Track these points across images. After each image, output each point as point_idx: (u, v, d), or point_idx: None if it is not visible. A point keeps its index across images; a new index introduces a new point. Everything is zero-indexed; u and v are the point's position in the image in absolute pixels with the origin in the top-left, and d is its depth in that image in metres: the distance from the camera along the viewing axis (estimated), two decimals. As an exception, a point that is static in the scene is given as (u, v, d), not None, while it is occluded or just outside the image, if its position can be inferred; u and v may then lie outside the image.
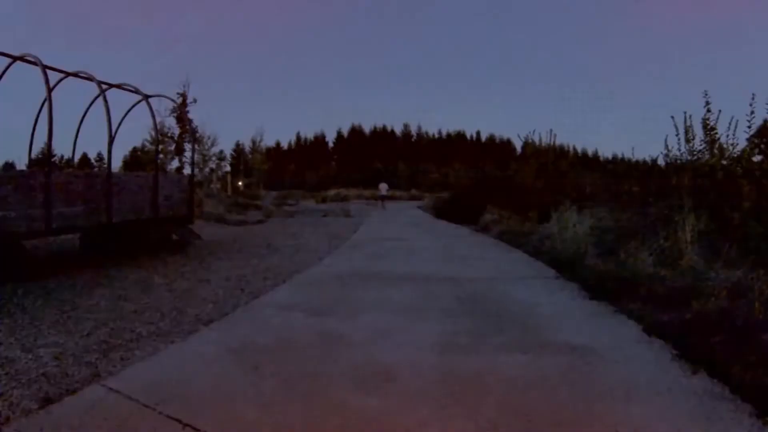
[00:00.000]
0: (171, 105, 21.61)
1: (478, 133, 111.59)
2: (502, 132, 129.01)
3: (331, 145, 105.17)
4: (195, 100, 21.70)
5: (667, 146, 9.45)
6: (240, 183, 64.30)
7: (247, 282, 6.07)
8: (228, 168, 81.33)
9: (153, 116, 9.05)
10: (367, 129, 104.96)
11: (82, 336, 3.81)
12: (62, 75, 7.89)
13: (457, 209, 17.71)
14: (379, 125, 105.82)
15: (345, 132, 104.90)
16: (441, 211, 20.44)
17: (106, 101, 7.61)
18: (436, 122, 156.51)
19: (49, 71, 6.87)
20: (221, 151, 63.42)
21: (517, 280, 5.77)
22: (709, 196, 7.07)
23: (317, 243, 10.22)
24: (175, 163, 24.90)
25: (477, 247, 8.85)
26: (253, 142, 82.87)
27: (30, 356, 3.35)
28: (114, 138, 7.77)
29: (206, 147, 35.03)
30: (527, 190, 14.28)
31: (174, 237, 9.33)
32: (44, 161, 6.69)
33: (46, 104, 6.60)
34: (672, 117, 8.60)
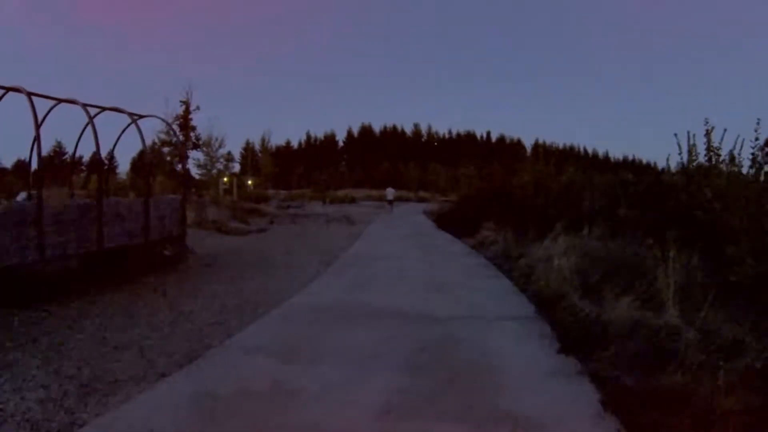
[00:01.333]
0: (175, 112, 21.70)
1: (488, 133, 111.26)
2: (512, 132, 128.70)
3: (341, 144, 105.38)
4: (198, 108, 21.79)
5: (665, 167, 9.35)
6: (250, 182, 64.78)
7: (228, 313, 6.12)
8: (237, 167, 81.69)
9: (142, 138, 9.11)
10: (377, 129, 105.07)
11: (66, 377, 4.01)
12: (53, 102, 7.95)
13: (458, 221, 17.70)
14: (389, 125, 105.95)
15: (355, 131, 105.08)
16: (443, 221, 20.43)
17: (94, 130, 7.66)
18: (446, 122, 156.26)
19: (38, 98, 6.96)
20: (229, 152, 63.53)
21: (493, 321, 5.71)
22: (704, 227, 6.90)
23: (310, 261, 10.23)
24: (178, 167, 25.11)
25: (466, 273, 8.79)
26: (263, 140, 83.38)
27: (18, 398, 3.59)
28: (107, 162, 7.85)
29: (214, 149, 35.22)
30: (525, 205, 14.20)
31: (167, 253, 9.39)
32: (38, 185, 6.74)
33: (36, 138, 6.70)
34: (675, 135, 8.50)
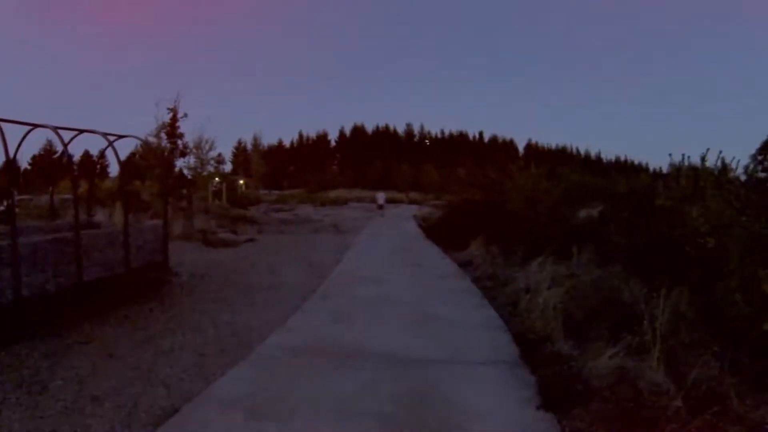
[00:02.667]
0: (161, 120, 21.43)
1: (480, 133, 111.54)
2: (505, 132, 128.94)
3: (333, 144, 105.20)
4: (186, 115, 21.48)
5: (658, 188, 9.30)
6: (242, 182, 64.62)
7: (208, 354, 6.00)
8: (229, 167, 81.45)
9: (119, 160, 8.96)
10: (369, 128, 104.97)
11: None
12: (28, 127, 7.77)
13: (447, 233, 17.62)
14: (382, 125, 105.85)
15: (347, 131, 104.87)
16: (432, 232, 20.36)
17: (70, 159, 7.50)
18: (438, 122, 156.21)
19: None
20: (220, 154, 63.21)
21: (476, 366, 5.61)
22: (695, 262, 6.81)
23: (294, 284, 10.09)
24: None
25: (452, 301, 8.64)
26: (255, 140, 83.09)
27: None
28: (85, 194, 7.68)
29: (204, 151, 34.93)
30: (514, 222, 14.12)
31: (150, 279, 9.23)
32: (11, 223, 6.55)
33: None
34: (669, 155, 8.49)
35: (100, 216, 17.13)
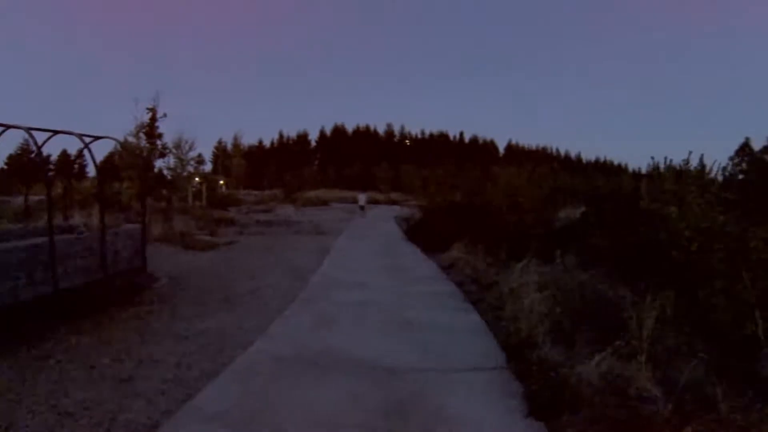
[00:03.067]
0: (140, 120, 21.08)
1: (461, 133, 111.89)
2: (485, 133, 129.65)
3: (313, 143, 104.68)
4: (165, 115, 21.14)
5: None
6: (222, 182, 63.93)
7: (188, 364, 5.83)
8: (209, 166, 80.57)
9: (94, 162, 8.71)
10: (350, 128, 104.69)
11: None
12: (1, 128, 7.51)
13: (428, 234, 17.55)
14: (362, 125, 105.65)
15: (328, 131, 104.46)
16: (413, 233, 20.28)
17: (44, 161, 7.24)
18: (419, 122, 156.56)
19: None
20: (200, 155, 62.58)
21: (462, 373, 5.54)
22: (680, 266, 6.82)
23: (275, 288, 9.94)
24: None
25: (435, 305, 8.55)
26: (235, 140, 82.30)
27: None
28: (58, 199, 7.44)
29: (184, 152, 34.54)
30: (498, 224, 14.12)
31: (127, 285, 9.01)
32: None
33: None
34: (652, 157, 8.55)
35: (77, 219, 16.80)
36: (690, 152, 7.92)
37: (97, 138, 9.06)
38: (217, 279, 10.96)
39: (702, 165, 8.12)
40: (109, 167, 30.14)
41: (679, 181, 7.85)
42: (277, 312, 8.09)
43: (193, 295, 9.23)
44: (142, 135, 21.28)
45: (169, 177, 30.79)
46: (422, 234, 18.49)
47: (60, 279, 7.16)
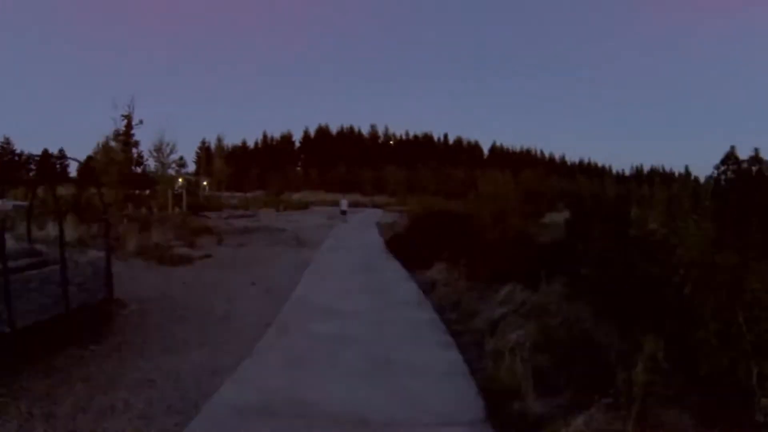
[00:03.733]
0: (115, 128, 20.62)
1: (446, 135, 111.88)
2: (470, 135, 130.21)
3: (297, 144, 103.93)
4: (141, 122, 20.72)
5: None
6: (205, 183, 63.20)
7: (152, 415, 5.49)
8: (192, 168, 79.79)
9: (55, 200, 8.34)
10: (333, 129, 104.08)
11: None
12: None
13: (410, 248, 17.33)
14: (347, 126, 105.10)
15: (312, 132, 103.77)
16: (395, 244, 20.05)
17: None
18: (403, 124, 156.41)
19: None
20: (181, 157, 61.76)
21: (438, 428, 5.27)
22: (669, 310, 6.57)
23: (247, 316, 9.63)
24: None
25: (414, 338, 8.29)
26: (218, 142, 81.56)
27: None
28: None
29: (165, 155, 34.02)
30: (480, 240, 13.93)
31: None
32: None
33: None
34: (640, 165, 8.34)
35: (50, 230, 16.25)
36: (686, 166, 7.74)
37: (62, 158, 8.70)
38: (190, 302, 10.62)
39: (687, 172, 7.94)
40: (88, 171, 29.58)
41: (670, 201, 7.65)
42: (250, 341, 7.85)
43: (164, 325, 8.86)
44: (115, 143, 20.84)
45: (151, 176, 30.40)
46: (404, 247, 18.25)
47: (17, 317, 6.73)
